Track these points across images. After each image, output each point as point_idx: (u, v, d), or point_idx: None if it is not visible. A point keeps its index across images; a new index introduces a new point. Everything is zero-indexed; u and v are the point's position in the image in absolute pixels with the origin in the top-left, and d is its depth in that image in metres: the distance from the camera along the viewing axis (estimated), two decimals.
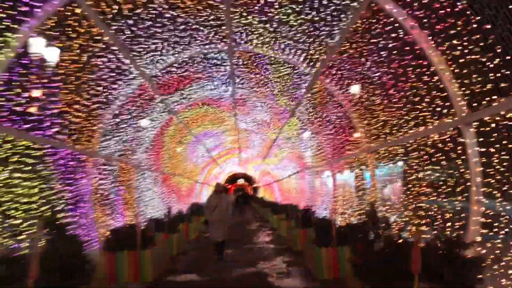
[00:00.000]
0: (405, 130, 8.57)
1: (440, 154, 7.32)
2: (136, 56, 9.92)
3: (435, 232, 7.27)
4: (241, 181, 76.03)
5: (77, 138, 9.71)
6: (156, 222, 14.40)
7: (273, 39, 10.24)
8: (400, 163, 10.23)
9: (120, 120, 12.11)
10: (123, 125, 12.68)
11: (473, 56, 5.93)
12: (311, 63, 11.00)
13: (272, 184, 44.03)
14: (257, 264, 11.51)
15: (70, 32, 7.57)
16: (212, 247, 12.16)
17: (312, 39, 9.45)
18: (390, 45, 7.55)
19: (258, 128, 24.13)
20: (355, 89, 10.38)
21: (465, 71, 6.12)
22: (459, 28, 5.93)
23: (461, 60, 6.16)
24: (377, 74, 8.82)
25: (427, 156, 7.83)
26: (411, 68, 7.46)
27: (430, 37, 6.58)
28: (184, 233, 17.28)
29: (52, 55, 8.29)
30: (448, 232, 6.80)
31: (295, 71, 12.29)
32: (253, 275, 10.23)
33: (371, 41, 7.96)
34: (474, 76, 6.00)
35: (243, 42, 10.86)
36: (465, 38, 5.91)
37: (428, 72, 6.94)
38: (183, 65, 11.91)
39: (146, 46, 9.65)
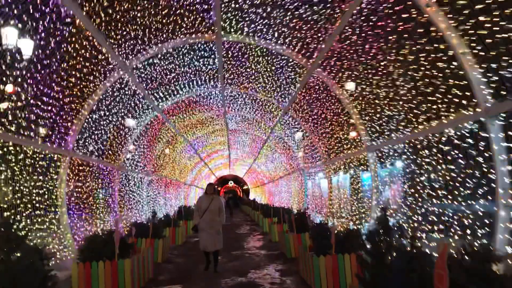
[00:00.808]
0: (414, 125, 7.67)
1: (457, 151, 6.44)
2: (114, 44, 8.90)
3: (454, 240, 6.37)
4: (231, 184, 75.25)
5: (47, 135, 8.66)
6: (139, 227, 13.42)
7: (266, 26, 9.30)
8: (400, 164, 9.39)
9: (99, 117, 11.06)
10: (103, 122, 11.64)
11: (502, 35, 5.03)
12: (307, 54, 10.08)
13: (263, 186, 43.09)
14: (247, 273, 10.57)
15: (34, 12, 6.55)
16: (201, 253, 11.11)
17: (309, 25, 8.51)
18: (400, 28, 6.65)
19: (249, 128, 23.19)
20: (351, 85, 9.57)
21: (492, 53, 5.22)
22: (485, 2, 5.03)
23: (488, 41, 5.26)
24: (382, 63, 7.91)
25: (440, 154, 6.94)
26: (424, 54, 6.56)
27: (449, 16, 5.69)
28: (171, 239, 16.32)
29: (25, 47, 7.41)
30: (470, 241, 5.88)
31: (289, 64, 11.36)
32: (244, 286, 9.28)
33: (378, 23, 7.06)
34: (503, 59, 5.10)
35: (232, 31, 9.91)
36: (493, 14, 5.01)
37: (445, 58, 6.04)
38: (167, 57, 10.91)
39: (125, 33, 8.64)
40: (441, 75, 6.27)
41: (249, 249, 15.51)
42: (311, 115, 13.81)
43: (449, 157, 6.70)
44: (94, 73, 9.27)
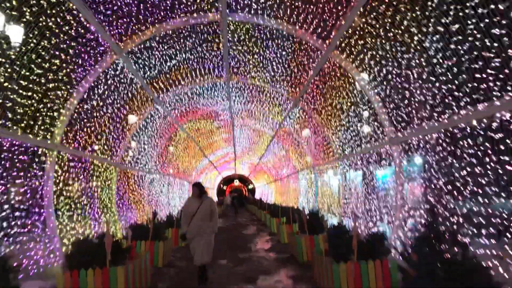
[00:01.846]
0: (454, 110, 6.49)
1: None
2: (104, 21, 7.79)
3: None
4: (236, 183, 74.29)
5: (28, 126, 7.55)
6: (139, 228, 12.35)
7: (277, 1, 8.14)
8: (433, 157, 8.25)
9: (91, 107, 9.97)
10: (96, 113, 10.54)
11: None
12: (323, 34, 8.93)
13: (270, 185, 41.96)
14: (256, 280, 9.48)
15: None
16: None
17: None
18: None
19: (255, 123, 22.04)
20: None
21: None
22: None
23: None
24: (416, 37, 6.74)
25: (490, 144, 5.76)
26: (473, 20, 5.40)
27: None
28: (173, 240, 15.26)
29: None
30: None
31: (301, 47, 10.20)
32: None
33: None
34: None
35: (239, 8, 8.77)
36: None
37: (505, 22, 4.87)
38: (167, 40, 9.78)
39: (116, 8, 7.52)
40: (496, 45, 5.10)
41: (257, 252, 14.39)
42: (325, 106, 12.64)
43: (502, 147, 5.53)
44: (83, 55, 8.16)
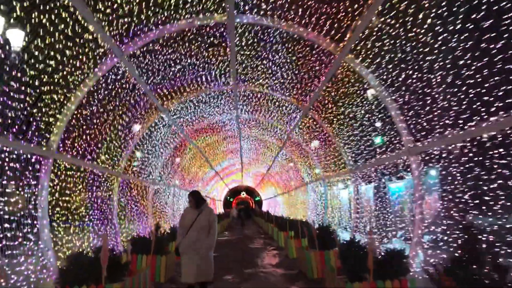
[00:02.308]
0: (482, 116, 5.89)
1: None
2: (103, 20, 7.29)
3: None
4: (243, 195, 73.54)
5: (20, 131, 7.04)
6: (141, 241, 11.76)
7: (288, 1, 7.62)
8: (456, 168, 7.64)
9: (91, 113, 9.46)
10: (96, 120, 10.03)
11: None
12: (337, 36, 8.38)
13: (277, 197, 41.25)
14: None
15: None
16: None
17: None
18: None
19: (263, 134, 21.48)
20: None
21: None
22: None
23: None
24: (441, 36, 6.16)
25: None
26: (507, 17, 4.82)
27: None
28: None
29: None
30: None
31: (313, 51, 9.66)
32: None
33: None
34: None
35: (247, 9, 8.26)
36: None
37: None
38: (170, 43, 9.28)
39: (116, 7, 7.03)
40: None
41: (263, 267, 13.74)
42: (337, 114, 12.05)
43: None
44: (81, 56, 7.66)
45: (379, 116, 9.57)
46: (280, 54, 10.27)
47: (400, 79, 7.90)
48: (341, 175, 14.77)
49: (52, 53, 7.03)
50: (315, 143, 15.97)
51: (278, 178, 33.80)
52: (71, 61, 7.43)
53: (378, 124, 9.81)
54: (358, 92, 9.89)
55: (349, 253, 8.51)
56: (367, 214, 12.55)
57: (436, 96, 6.90)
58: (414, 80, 7.47)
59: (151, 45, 8.99)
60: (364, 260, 8.29)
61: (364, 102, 9.94)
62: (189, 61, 10.48)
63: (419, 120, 7.77)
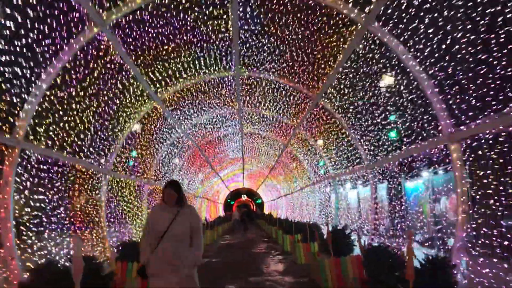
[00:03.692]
0: None
1: None
2: None
3: None
4: (244, 197, 72.09)
5: None
6: (129, 247, 10.27)
7: None
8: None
9: (69, 96, 7.98)
10: (76, 105, 8.56)
11: None
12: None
13: (280, 199, 39.75)
14: None
15: None
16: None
17: None
18: None
19: (267, 130, 20.01)
20: None
21: None
22: None
23: None
24: None
25: None
26: None
27: None
28: None
29: None
30: None
31: (331, 22, 8.15)
32: None
33: None
34: None
35: None
36: None
37: None
38: (162, 12, 7.81)
39: None
40: None
41: (270, 274, 12.24)
42: (353, 101, 10.58)
43: None
44: (49, 21, 6.19)
45: (409, 97, 8.07)
46: (289, 28, 8.80)
47: (441, 47, 6.41)
48: (356, 172, 13.29)
49: (14, 15, 5.57)
50: (326, 137, 14.56)
51: (282, 178, 32.31)
52: (36, 24, 5.96)
53: (408, 108, 8.33)
54: (384, 69, 8.39)
55: (378, 261, 7.08)
56: (389, 215, 11.09)
57: (495, 63, 5.42)
58: (463, 46, 5.98)
59: (138, 13, 7.52)
60: (394, 269, 6.90)
61: (389, 82, 8.44)
62: (185, 37, 9.02)
63: (467, 97, 6.29)
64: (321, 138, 15.05)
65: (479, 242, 6.19)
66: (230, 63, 11.02)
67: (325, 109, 12.39)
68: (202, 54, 10.04)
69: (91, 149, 10.04)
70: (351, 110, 11.04)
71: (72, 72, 7.54)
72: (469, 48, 6.12)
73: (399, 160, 9.67)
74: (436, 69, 6.88)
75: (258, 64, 11.14)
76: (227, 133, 21.61)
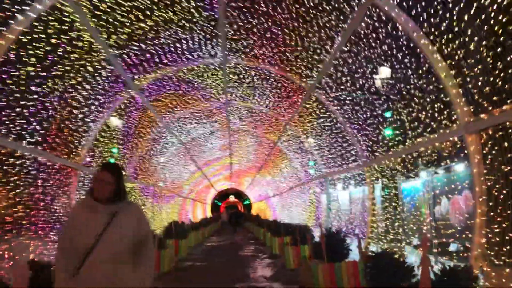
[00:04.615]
0: None
1: None
2: None
3: None
4: (232, 198, 70.88)
5: None
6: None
7: None
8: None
9: (27, 75, 6.85)
10: (37, 86, 7.42)
11: None
12: None
13: (269, 200, 38.71)
14: None
15: None
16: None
17: None
18: None
19: (256, 126, 18.94)
20: None
21: None
22: None
23: None
24: None
25: None
26: None
27: None
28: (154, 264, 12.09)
29: None
30: None
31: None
32: None
33: None
34: None
35: None
36: None
37: None
38: None
39: None
40: None
41: (257, 281, 11.22)
42: (352, 91, 9.58)
43: None
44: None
45: (419, 83, 7.07)
46: (282, 5, 7.77)
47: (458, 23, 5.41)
48: (350, 171, 12.31)
49: None
50: (319, 133, 13.56)
51: (270, 178, 31.27)
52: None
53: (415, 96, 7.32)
54: (387, 52, 7.37)
55: (382, 269, 6.12)
56: (389, 217, 10.11)
57: None
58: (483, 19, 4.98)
59: None
60: (403, 278, 5.98)
61: (398, 65, 7.42)
62: (164, 14, 7.92)
63: (489, 80, 5.30)
64: (314, 134, 14.05)
65: (504, 249, 5.22)
66: (216, 48, 9.96)
67: (319, 102, 11.38)
68: (184, 35, 8.95)
69: (57, 140, 8.89)
70: (348, 102, 10.04)
71: (28, 46, 6.42)
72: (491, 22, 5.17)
73: (402, 156, 8.69)
74: (452, 48, 5.91)
75: (247, 49, 10.09)
76: (214, 130, 20.50)
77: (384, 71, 7.91)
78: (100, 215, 3.15)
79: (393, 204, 9.79)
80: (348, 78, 9.09)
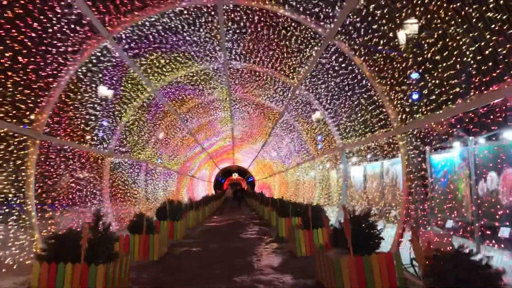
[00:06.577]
0: None
1: None
2: None
3: None
4: (235, 176, 69.64)
5: None
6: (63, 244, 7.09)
7: None
8: None
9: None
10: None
11: None
12: None
13: (273, 177, 36.76)
14: None
15: None
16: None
17: None
18: None
19: (259, 95, 16.70)
20: None
21: None
22: None
23: None
24: None
25: None
26: None
27: None
28: (141, 252, 10.40)
29: None
30: None
31: None
32: None
33: None
34: None
35: None
36: None
37: None
38: None
39: None
40: None
41: (262, 272, 9.21)
42: (382, 38, 7.23)
43: None
44: None
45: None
46: None
47: None
48: (377, 139, 10.10)
49: None
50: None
51: (275, 154, 29.14)
52: None
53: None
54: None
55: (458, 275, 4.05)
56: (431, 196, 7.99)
57: None
58: None
59: None
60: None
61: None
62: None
63: None
64: (328, 98, 11.82)
65: None
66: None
67: (339, 53, 9.08)
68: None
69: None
70: (377, 55, 7.71)
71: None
72: None
73: (457, 115, 6.44)
74: None
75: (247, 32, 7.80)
76: (214, 99, 18.27)
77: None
78: None
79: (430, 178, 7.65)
80: (374, 24, 6.67)
